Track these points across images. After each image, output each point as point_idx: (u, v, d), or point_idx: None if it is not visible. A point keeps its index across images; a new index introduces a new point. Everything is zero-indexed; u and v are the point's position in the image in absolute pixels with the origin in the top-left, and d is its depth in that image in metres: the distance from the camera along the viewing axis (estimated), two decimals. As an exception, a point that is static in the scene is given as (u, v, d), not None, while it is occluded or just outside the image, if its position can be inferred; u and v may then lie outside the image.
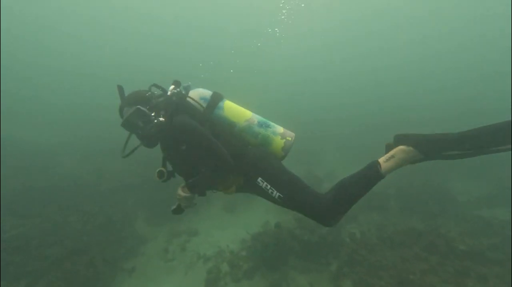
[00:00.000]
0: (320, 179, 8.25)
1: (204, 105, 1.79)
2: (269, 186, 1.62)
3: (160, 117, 1.67)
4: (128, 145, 1.80)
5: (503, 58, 23.37)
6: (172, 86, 1.81)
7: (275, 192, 1.61)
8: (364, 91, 26.08)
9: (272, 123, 1.86)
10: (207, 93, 1.85)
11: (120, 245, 4.75)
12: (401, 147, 1.51)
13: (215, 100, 1.81)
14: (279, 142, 1.79)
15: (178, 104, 1.72)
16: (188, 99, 1.79)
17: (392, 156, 1.51)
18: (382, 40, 33.52)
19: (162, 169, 1.74)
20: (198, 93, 1.84)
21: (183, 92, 1.84)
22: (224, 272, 4.58)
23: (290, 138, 1.81)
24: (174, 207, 1.68)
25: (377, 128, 12.13)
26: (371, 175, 1.52)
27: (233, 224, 6.46)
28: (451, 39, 31.61)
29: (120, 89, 1.73)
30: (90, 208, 4.79)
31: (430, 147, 1.46)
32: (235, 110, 1.83)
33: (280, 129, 1.85)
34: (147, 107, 1.69)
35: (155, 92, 1.85)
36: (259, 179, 1.64)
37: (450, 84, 25.99)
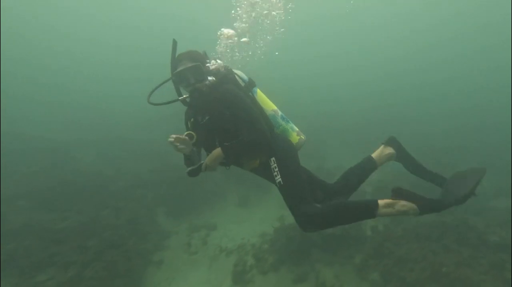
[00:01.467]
0: (332, 173, 8.28)
1: (243, 85, 1.93)
2: (276, 169, 1.73)
3: (212, 80, 1.81)
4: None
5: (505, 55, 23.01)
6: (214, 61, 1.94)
7: (278, 176, 1.71)
8: (366, 85, 25.80)
9: (290, 121, 2.05)
10: (245, 76, 2.00)
11: (147, 238, 4.88)
12: (404, 202, 1.64)
13: (251, 84, 1.96)
14: (295, 137, 1.98)
15: (227, 75, 1.87)
16: (234, 75, 1.93)
17: (392, 206, 1.63)
18: (385, 32, 32.96)
19: (192, 133, 1.79)
20: (239, 73, 1.99)
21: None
22: (250, 265, 4.68)
23: (303, 137, 2.01)
24: (192, 167, 1.72)
25: (380, 122, 12.10)
26: (366, 213, 1.63)
27: (249, 219, 6.55)
28: (455, 30, 30.91)
29: (174, 43, 1.80)
30: (118, 203, 4.93)
31: (430, 208, 1.66)
32: (265, 99, 2.00)
33: (296, 128, 2.04)
34: (205, 68, 1.80)
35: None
36: (273, 158, 1.76)
37: (455, 76, 25.65)
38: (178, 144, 1.68)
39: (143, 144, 10.19)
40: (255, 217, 6.60)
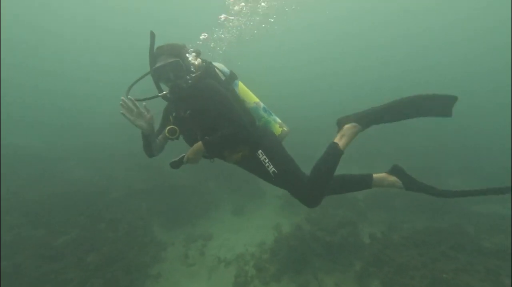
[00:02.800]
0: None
1: (223, 78, 1.94)
2: (267, 160, 1.77)
3: (192, 76, 1.80)
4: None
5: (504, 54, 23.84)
6: (194, 54, 1.94)
7: (270, 166, 1.75)
8: (366, 86, 26.28)
9: (273, 113, 2.08)
10: (226, 69, 2.00)
11: (144, 251, 4.72)
12: (346, 125, 1.82)
13: (232, 77, 1.97)
14: (277, 129, 2.01)
15: (207, 70, 1.88)
16: (214, 68, 1.94)
17: (343, 135, 1.81)
18: (375, 36, 33.56)
19: (175, 127, 1.80)
20: (220, 66, 1.99)
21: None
22: (251, 275, 4.63)
23: (286, 129, 2.05)
24: (174, 159, 1.73)
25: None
26: (334, 153, 1.77)
27: (245, 228, 6.51)
28: (449, 33, 31.37)
29: (152, 36, 1.74)
30: (114, 215, 4.75)
31: (368, 120, 1.80)
32: (246, 91, 2.01)
33: (279, 120, 2.07)
34: (185, 63, 1.78)
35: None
36: (260, 151, 1.79)
37: (453, 79, 26.38)
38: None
39: (130, 150, 9.84)
40: (252, 226, 6.57)
